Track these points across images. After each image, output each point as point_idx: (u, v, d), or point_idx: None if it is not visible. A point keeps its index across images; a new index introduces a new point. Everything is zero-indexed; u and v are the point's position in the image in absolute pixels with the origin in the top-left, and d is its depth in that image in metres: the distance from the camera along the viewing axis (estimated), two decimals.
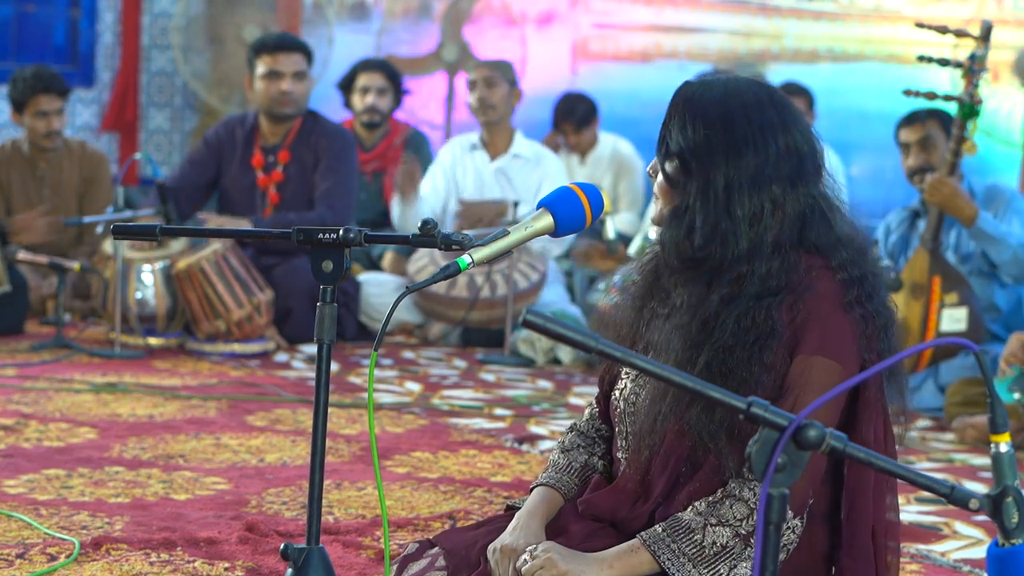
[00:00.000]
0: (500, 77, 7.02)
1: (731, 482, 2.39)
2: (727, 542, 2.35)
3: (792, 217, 2.44)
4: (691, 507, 2.40)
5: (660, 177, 2.49)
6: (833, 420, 2.40)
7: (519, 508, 2.61)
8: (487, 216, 6.88)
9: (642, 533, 2.41)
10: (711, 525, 2.36)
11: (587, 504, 2.56)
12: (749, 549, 2.36)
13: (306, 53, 6.67)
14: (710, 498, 2.40)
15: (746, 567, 2.37)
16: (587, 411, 2.74)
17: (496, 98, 7.00)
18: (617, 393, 2.58)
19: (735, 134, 2.42)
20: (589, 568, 2.38)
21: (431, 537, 2.67)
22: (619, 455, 2.57)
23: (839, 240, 2.47)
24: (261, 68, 6.59)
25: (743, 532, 2.36)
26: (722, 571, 2.36)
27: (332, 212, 6.47)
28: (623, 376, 2.58)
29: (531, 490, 2.64)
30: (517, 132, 7.19)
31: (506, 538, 2.50)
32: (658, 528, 2.40)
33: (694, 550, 2.36)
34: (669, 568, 2.36)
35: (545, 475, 2.65)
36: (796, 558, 2.45)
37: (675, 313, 2.47)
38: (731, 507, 2.37)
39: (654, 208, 2.55)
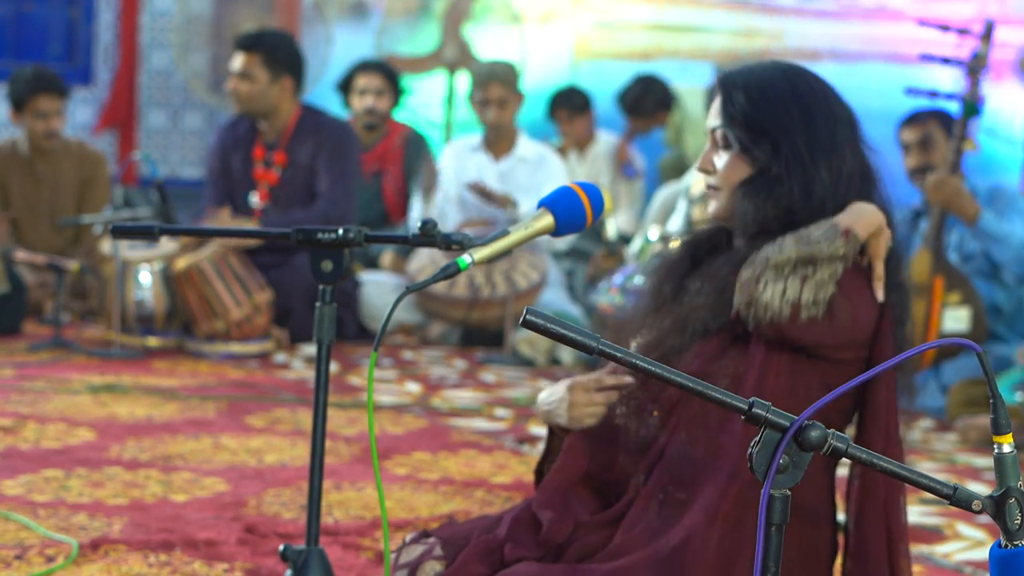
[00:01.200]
0: (510, 92, 7.02)
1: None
2: (789, 248, 2.42)
3: (857, 180, 2.55)
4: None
5: (728, 149, 2.54)
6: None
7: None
8: (493, 198, 6.90)
9: None
10: (782, 243, 2.44)
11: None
12: (814, 268, 2.41)
13: (261, 52, 6.58)
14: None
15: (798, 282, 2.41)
16: None
17: (508, 117, 7.04)
18: None
19: (804, 99, 2.51)
20: None
21: (427, 529, 2.68)
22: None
23: (885, 209, 2.61)
24: None
25: (810, 249, 2.42)
26: (780, 283, 2.39)
27: (334, 206, 6.47)
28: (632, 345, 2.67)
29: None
30: (521, 133, 7.18)
31: (562, 402, 2.59)
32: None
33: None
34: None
35: None
36: (797, 561, 2.44)
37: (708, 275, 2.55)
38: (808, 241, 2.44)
39: (702, 185, 2.61)
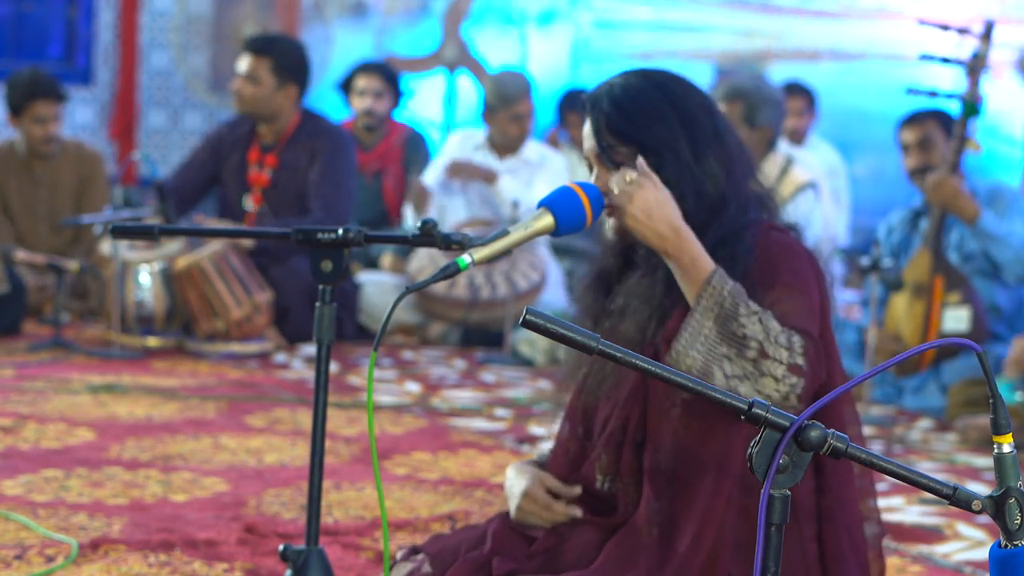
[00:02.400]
0: (530, 105, 7.06)
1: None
2: (752, 334, 2.35)
3: (746, 163, 2.54)
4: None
5: (615, 169, 2.49)
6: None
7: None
8: (476, 174, 6.92)
9: (716, 265, 2.43)
10: (762, 320, 2.36)
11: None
12: (754, 366, 2.35)
13: (271, 58, 6.55)
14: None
15: (730, 368, 2.37)
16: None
17: (527, 129, 7.06)
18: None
19: (676, 100, 2.49)
20: (672, 208, 2.40)
21: (416, 544, 2.68)
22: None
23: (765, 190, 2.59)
24: None
25: (767, 350, 2.35)
26: (721, 349, 2.36)
27: (328, 213, 6.44)
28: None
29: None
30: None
31: (512, 504, 2.55)
32: (731, 282, 2.40)
33: (730, 313, 2.36)
34: (699, 300, 2.38)
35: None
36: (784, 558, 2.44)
37: (648, 293, 2.50)
38: (785, 333, 2.36)
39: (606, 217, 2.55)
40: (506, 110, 7.02)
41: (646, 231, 2.38)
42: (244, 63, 6.58)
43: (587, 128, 2.56)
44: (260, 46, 6.60)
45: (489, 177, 6.90)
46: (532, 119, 7.11)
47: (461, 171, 6.96)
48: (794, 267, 2.45)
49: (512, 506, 2.56)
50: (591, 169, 2.56)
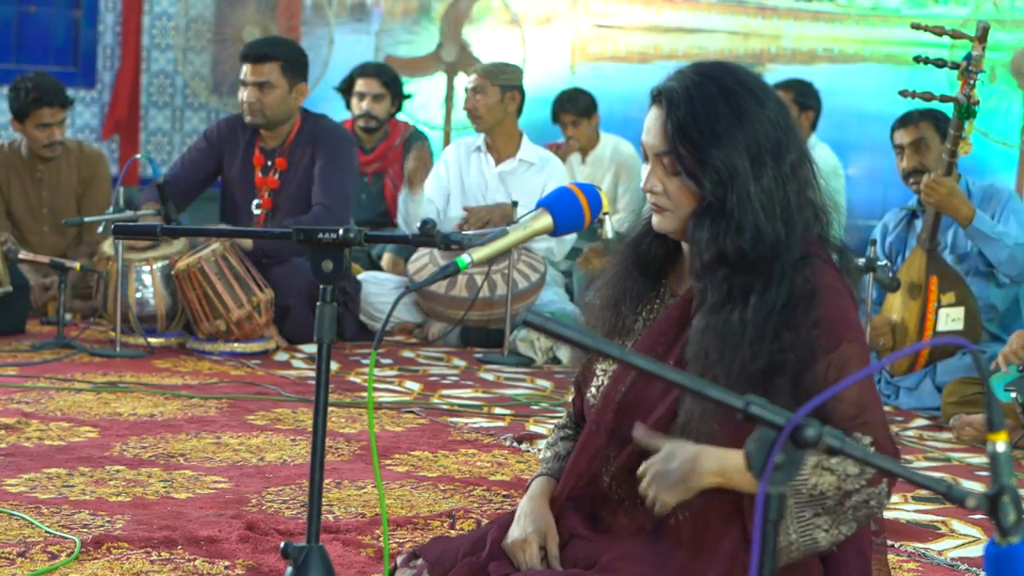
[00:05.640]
0: (490, 84, 7.00)
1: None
2: (826, 489, 2.31)
3: (797, 183, 2.43)
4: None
5: (665, 174, 2.43)
6: (874, 398, 2.41)
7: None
8: (494, 218, 6.89)
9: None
10: (823, 468, 2.32)
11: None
12: (842, 508, 2.32)
13: (279, 60, 6.50)
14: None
15: (827, 524, 2.34)
16: (565, 413, 2.76)
17: (481, 107, 6.98)
18: (594, 390, 2.58)
19: (746, 121, 2.39)
20: (702, 455, 2.33)
21: (414, 549, 2.69)
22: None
23: (825, 212, 2.50)
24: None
25: (846, 488, 2.31)
26: (806, 514, 2.33)
27: (328, 212, 6.43)
28: (598, 373, 2.57)
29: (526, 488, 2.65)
30: (524, 136, 7.18)
31: (514, 531, 2.51)
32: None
33: (795, 481, 2.29)
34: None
35: (538, 471, 2.67)
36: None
37: (712, 332, 2.40)
38: (843, 460, 2.30)
39: (656, 216, 2.49)
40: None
41: (693, 491, 2.34)
42: (251, 72, 6.47)
43: (655, 124, 2.44)
44: (265, 51, 6.51)
45: (507, 213, 6.87)
46: (480, 107, 6.99)
47: (478, 220, 6.93)
48: (847, 319, 2.39)
49: (511, 536, 2.53)
50: (645, 159, 2.49)
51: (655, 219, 2.48)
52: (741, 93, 2.42)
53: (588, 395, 2.59)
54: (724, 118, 2.39)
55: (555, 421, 2.81)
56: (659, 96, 2.45)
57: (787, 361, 2.34)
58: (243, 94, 6.53)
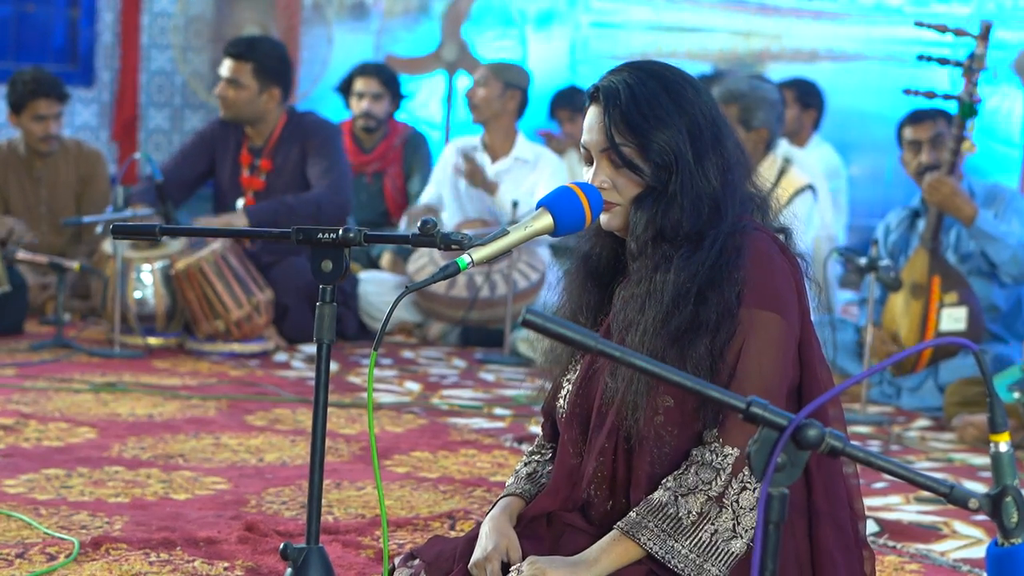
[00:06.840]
0: (493, 78, 7.01)
1: (693, 451, 2.40)
2: (701, 508, 2.36)
3: (736, 173, 2.48)
4: (660, 486, 2.40)
5: (613, 168, 2.45)
6: (789, 375, 2.42)
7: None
8: (480, 180, 6.91)
9: (619, 523, 2.41)
10: (681, 496, 2.37)
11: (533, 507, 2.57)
12: (724, 509, 2.36)
13: (253, 62, 6.54)
14: (675, 472, 2.40)
15: (727, 523, 2.36)
16: (535, 441, 2.78)
17: (478, 98, 6.99)
18: (562, 400, 2.60)
19: (686, 107, 2.44)
20: (578, 570, 2.38)
21: (412, 549, 2.68)
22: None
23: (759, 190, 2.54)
24: None
25: (713, 494, 2.36)
26: (704, 537, 2.36)
27: (331, 191, 6.48)
28: (565, 384, 2.61)
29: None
30: (519, 135, 7.18)
31: (476, 554, 2.50)
32: (632, 514, 2.40)
33: (672, 524, 2.36)
34: (653, 549, 2.36)
35: (502, 493, 2.66)
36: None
37: (637, 297, 2.45)
38: (696, 473, 2.37)
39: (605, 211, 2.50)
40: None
41: None
42: (226, 68, 6.59)
43: (596, 121, 2.46)
44: (241, 51, 6.59)
45: (491, 188, 6.90)
46: (477, 97, 7.00)
47: (473, 172, 6.95)
48: (770, 287, 2.42)
49: (473, 558, 2.53)
50: (589, 162, 2.50)
51: (603, 218, 2.50)
52: (679, 82, 2.48)
53: (557, 405, 2.62)
54: (665, 104, 2.44)
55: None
56: (597, 93, 2.49)
57: (708, 321, 2.38)
58: (217, 87, 6.65)
